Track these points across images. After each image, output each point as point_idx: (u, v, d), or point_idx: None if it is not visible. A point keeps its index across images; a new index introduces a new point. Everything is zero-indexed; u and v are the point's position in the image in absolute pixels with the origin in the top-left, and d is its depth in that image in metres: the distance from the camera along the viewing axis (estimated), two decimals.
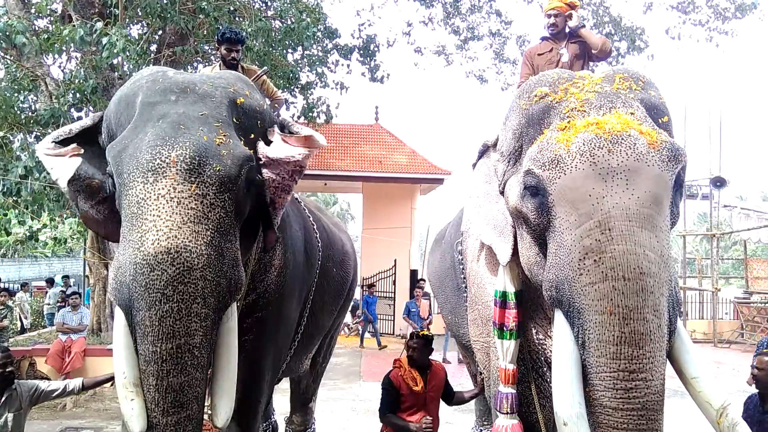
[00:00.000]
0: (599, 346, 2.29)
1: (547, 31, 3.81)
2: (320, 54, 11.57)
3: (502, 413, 3.06)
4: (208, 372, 2.53)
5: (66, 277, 14.06)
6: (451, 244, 4.36)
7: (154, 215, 2.39)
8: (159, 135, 2.52)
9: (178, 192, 2.42)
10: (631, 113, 2.56)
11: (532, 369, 3.13)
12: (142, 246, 2.36)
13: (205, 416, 2.59)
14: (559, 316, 2.51)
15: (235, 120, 2.78)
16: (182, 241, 2.36)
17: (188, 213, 2.42)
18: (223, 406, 2.55)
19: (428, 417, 3.67)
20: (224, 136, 2.62)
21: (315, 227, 4.23)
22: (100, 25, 7.24)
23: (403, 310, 11.62)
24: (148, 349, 2.33)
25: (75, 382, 3.67)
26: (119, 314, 2.45)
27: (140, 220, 2.40)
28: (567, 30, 3.81)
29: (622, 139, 2.41)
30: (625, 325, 2.23)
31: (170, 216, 2.39)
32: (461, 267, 3.95)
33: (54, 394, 3.68)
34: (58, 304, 12.82)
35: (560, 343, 2.48)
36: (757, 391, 3.61)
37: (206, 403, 2.58)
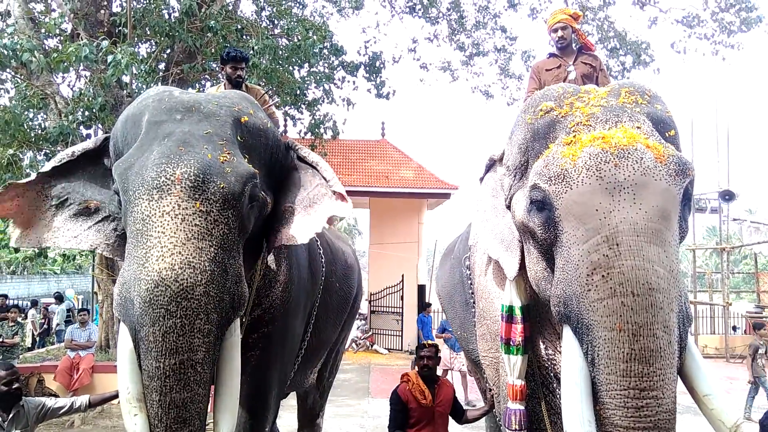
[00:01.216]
0: (609, 363, 2.25)
1: (555, 46, 3.78)
2: (326, 71, 11.65)
3: (511, 430, 3.01)
4: (210, 388, 2.53)
5: (58, 294, 14.17)
6: (459, 259, 4.34)
7: (158, 232, 2.41)
8: (164, 153, 2.55)
9: (183, 209, 2.45)
10: (638, 127, 2.54)
11: (542, 385, 3.08)
12: (146, 262, 2.38)
13: None
14: (567, 332, 2.48)
15: (239, 138, 2.81)
16: (186, 258, 2.38)
17: (192, 230, 2.44)
18: (225, 421, 2.55)
19: None
20: (228, 154, 2.65)
21: (318, 243, 4.24)
22: (106, 43, 7.32)
23: (437, 329, 11.28)
24: (151, 364, 2.34)
25: (82, 399, 3.66)
26: (123, 330, 2.48)
27: (145, 237, 2.43)
28: (575, 46, 3.80)
29: (629, 153, 2.39)
30: (635, 341, 2.20)
31: (174, 233, 2.41)
32: (469, 282, 3.93)
33: (61, 412, 3.66)
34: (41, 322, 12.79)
35: (569, 359, 2.44)
36: None
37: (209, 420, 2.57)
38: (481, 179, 3.41)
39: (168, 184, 2.47)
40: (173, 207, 2.44)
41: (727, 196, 14.88)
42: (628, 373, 2.21)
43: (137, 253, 2.43)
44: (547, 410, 3.06)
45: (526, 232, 2.79)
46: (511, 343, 3.01)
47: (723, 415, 2.35)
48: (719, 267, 17.29)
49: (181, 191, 2.47)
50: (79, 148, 3.11)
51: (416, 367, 3.89)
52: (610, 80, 3.72)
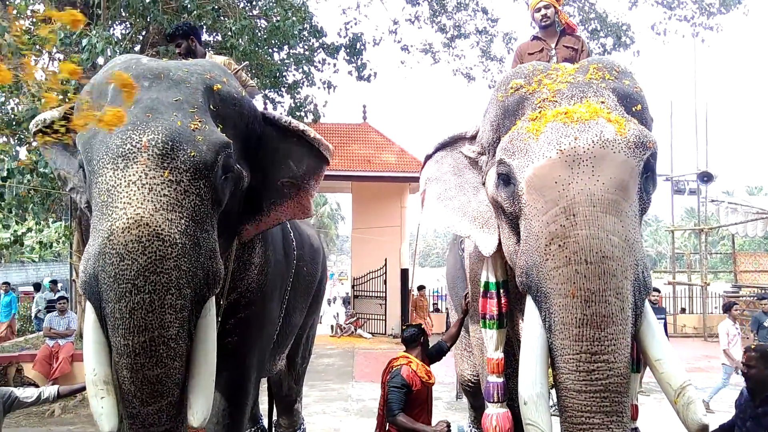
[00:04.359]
0: (563, 329, 2.32)
1: (538, 26, 3.76)
2: (306, 53, 11.49)
3: (491, 402, 3.07)
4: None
5: (53, 282, 13.88)
6: (458, 244, 4.36)
7: (124, 203, 2.30)
8: (130, 120, 2.42)
9: (150, 178, 2.34)
10: (602, 102, 2.58)
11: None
12: (111, 235, 2.27)
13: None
14: (529, 302, 2.54)
15: (211, 107, 2.70)
16: (154, 230, 2.28)
17: (161, 200, 2.33)
18: (200, 404, 2.45)
19: (446, 420, 3.55)
20: (199, 122, 2.54)
21: (289, 225, 4.18)
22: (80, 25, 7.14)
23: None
24: (119, 342, 2.26)
25: (50, 390, 3.60)
26: (89, 308, 2.38)
27: (110, 209, 2.31)
28: (558, 28, 3.77)
29: (590, 127, 2.44)
30: (587, 307, 2.26)
31: (141, 203, 2.30)
32: (463, 266, 3.95)
33: (28, 402, 3.60)
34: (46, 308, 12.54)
35: (529, 327, 2.51)
36: (746, 386, 3.59)
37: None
38: (429, 156, 3.33)
39: (134, 152, 2.35)
40: (140, 176, 2.33)
41: (705, 177, 15.06)
42: (580, 337, 2.27)
43: (102, 226, 2.31)
44: None
45: (497, 207, 2.83)
46: (486, 317, 3.08)
47: (671, 378, 2.41)
48: (698, 248, 17.54)
49: (149, 159, 2.35)
50: (49, 115, 2.94)
51: (419, 347, 3.80)
52: None
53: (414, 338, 3.82)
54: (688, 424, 2.36)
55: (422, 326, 3.91)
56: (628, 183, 2.41)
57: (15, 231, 11.05)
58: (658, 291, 9.25)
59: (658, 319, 8.90)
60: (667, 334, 8.19)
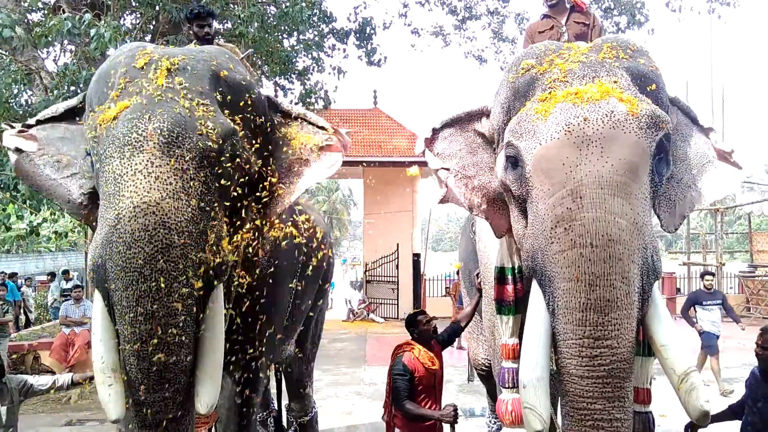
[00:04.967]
0: (566, 313, 2.29)
1: (548, 4, 3.73)
2: (316, 38, 11.44)
3: (506, 388, 3.04)
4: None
5: (66, 272, 14.11)
6: (470, 226, 4.33)
7: (131, 191, 2.31)
8: (136, 108, 2.43)
9: (156, 167, 2.35)
10: (614, 82, 2.51)
11: None
12: (118, 224, 2.28)
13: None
14: (534, 285, 2.51)
15: (218, 94, 2.69)
16: (160, 218, 2.29)
17: (167, 188, 2.34)
18: (207, 391, 2.44)
19: (453, 404, 3.57)
20: (206, 109, 2.54)
21: (297, 211, 4.18)
22: (88, 16, 7.16)
23: None
24: (126, 329, 2.27)
25: (64, 378, 3.67)
26: (97, 296, 2.40)
27: (117, 197, 2.33)
28: (567, 4, 3.73)
29: (600, 107, 2.39)
30: (591, 291, 2.22)
31: (148, 192, 2.31)
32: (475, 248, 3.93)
33: (43, 389, 3.69)
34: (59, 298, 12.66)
35: (533, 310, 2.48)
36: (758, 367, 3.57)
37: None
38: (436, 131, 3.09)
39: (140, 141, 2.36)
40: (146, 165, 2.34)
41: None
42: (584, 322, 2.23)
43: (109, 214, 2.33)
44: None
45: (507, 190, 2.77)
46: (503, 303, 3.03)
47: (675, 364, 2.37)
48: (713, 228, 17.38)
49: (154, 148, 2.36)
50: (63, 105, 3.04)
51: (417, 333, 3.77)
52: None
53: (407, 325, 3.82)
54: (690, 411, 2.31)
55: (419, 315, 3.84)
56: (639, 165, 2.35)
57: (31, 221, 11.19)
58: (712, 275, 8.54)
59: (713, 304, 8.37)
60: (733, 317, 8.25)
